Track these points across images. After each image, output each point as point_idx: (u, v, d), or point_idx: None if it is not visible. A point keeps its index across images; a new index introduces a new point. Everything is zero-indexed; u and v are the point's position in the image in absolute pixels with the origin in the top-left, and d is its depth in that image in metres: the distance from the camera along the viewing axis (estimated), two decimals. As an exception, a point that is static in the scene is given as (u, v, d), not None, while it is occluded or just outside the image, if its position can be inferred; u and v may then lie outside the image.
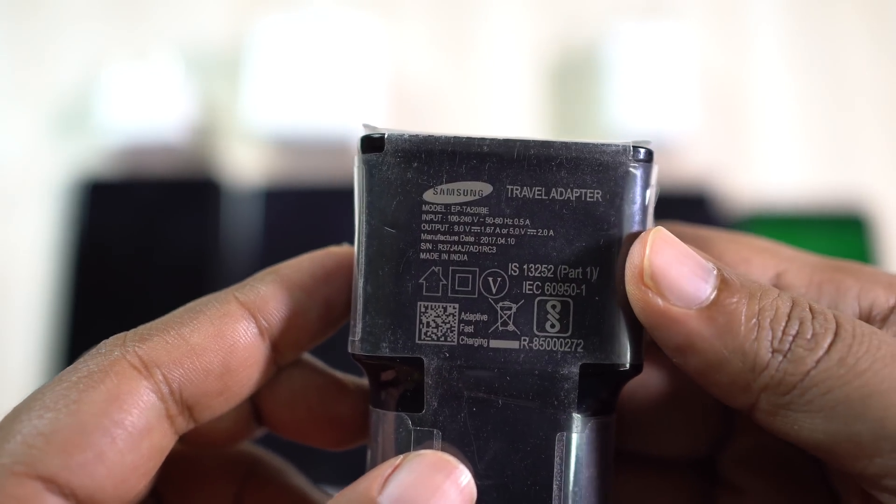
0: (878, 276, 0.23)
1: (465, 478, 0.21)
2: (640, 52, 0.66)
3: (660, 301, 0.21)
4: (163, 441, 0.22)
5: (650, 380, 0.26)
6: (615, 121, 0.66)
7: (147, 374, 0.21)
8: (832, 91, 0.70)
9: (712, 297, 0.21)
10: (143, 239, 0.63)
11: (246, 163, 0.66)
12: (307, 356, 0.25)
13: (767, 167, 0.68)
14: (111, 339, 0.22)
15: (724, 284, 0.21)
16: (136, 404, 0.21)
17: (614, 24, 0.68)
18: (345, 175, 0.65)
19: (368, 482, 0.20)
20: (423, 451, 0.21)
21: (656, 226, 0.24)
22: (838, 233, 0.64)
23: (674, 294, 0.21)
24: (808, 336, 0.20)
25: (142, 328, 0.22)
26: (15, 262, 0.65)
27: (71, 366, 0.21)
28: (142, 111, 0.64)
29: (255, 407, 0.25)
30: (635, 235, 0.22)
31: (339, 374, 0.25)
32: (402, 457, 0.21)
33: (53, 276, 0.63)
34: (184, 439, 0.24)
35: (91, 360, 0.21)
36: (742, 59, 0.70)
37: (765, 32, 0.71)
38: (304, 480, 0.26)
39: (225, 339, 0.22)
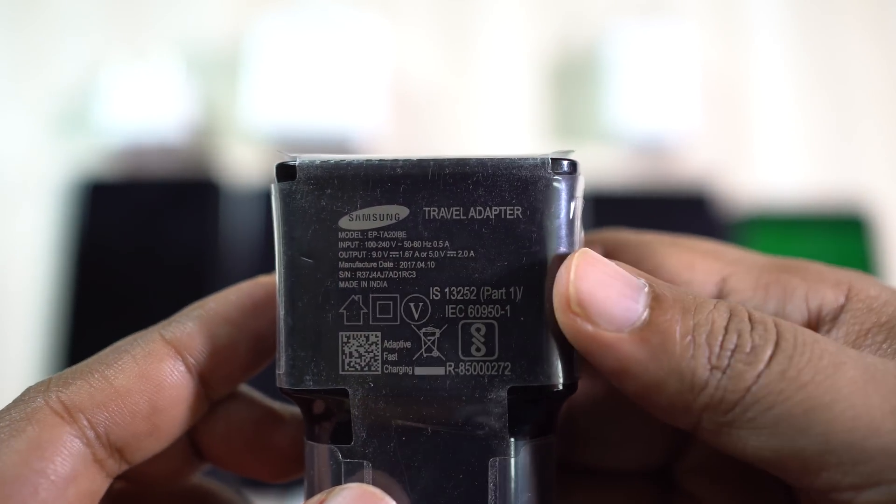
0: (825, 274, 0.23)
1: None
2: (640, 51, 0.66)
3: (589, 327, 0.20)
4: (92, 486, 0.21)
5: (599, 391, 0.26)
6: (615, 121, 0.66)
7: (70, 419, 0.21)
8: (832, 91, 0.69)
9: (644, 316, 0.20)
10: (142, 239, 0.63)
11: (246, 163, 0.66)
12: (243, 388, 0.25)
13: (767, 168, 0.68)
14: (35, 385, 0.22)
15: (655, 302, 0.20)
16: (59, 451, 0.20)
17: (614, 24, 0.68)
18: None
19: None
20: (348, 485, 0.21)
21: (595, 232, 0.23)
22: (838, 234, 0.64)
23: (603, 318, 0.20)
24: (748, 349, 0.19)
25: (66, 372, 0.22)
26: (15, 262, 0.65)
27: None
28: (142, 111, 0.64)
29: (194, 442, 0.25)
30: (560, 255, 0.21)
31: (276, 405, 0.25)
32: (327, 491, 0.21)
33: (53, 276, 0.63)
34: (126, 478, 0.24)
35: (13, 409, 0.21)
36: (742, 59, 0.70)
37: (765, 32, 0.71)
38: None
39: (150, 378, 0.22)
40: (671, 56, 0.66)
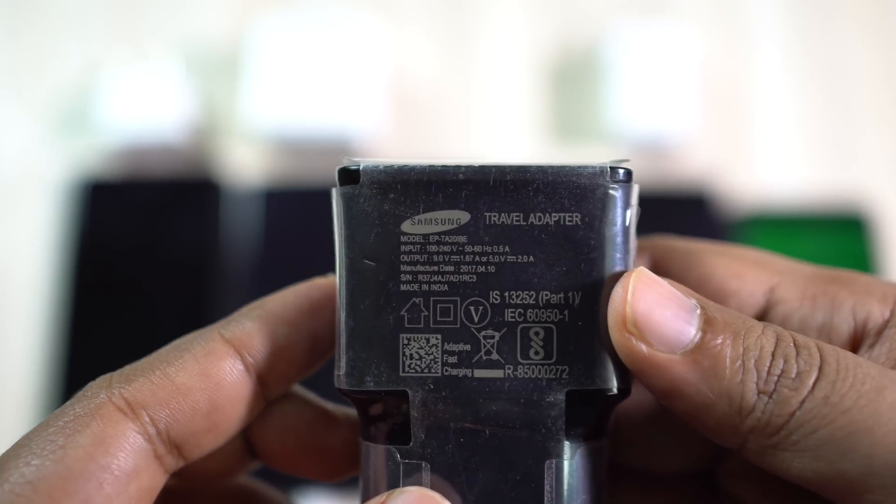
0: (872, 286, 0.23)
1: None
2: (640, 51, 0.66)
3: (644, 347, 0.21)
4: (152, 482, 0.22)
5: (646, 395, 0.26)
6: (615, 121, 0.66)
7: (133, 415, 0.21)
8: (832, 91, 0.69)
9: (696, 339, 0.21)
10: (142, 239, 0.63)
11: (246, 163, 0.66)
12: (297, 388, 0.25)
13: (767, 167, 0.68)
14: (97, 380, 0.22)
15: (707, 325, 0.21)
16: (122, 447, 0.21)
17: (614, 24, 0.68)
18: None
19: None
20: (407, 489, 0.21)
21: (644, 238, 0.23)
22: (838, 233, 0.64)
23: (657, 339, 0.21)
24: (793, 375, 0.20)
25: (127, 368, 0.22)
26: (15, 263, 0.65)
27: (58, 409, 0.21)
28: (142, 111, 0.64)
29: (248, 441, 0.25)
30: (617, 261, 0.22)
31: (330, 406, 0.25)
32: (385, 494, 0.21)
33: (53, 276, 0.63)
34: (180, 474, 0.24)
35: (77, 404, 0.21)
36: (742, 59, 0.70)
37: (765, 32, 0.71)
38: None
39: (210, 377, 0.22)
40: (671, 56, 0.66)
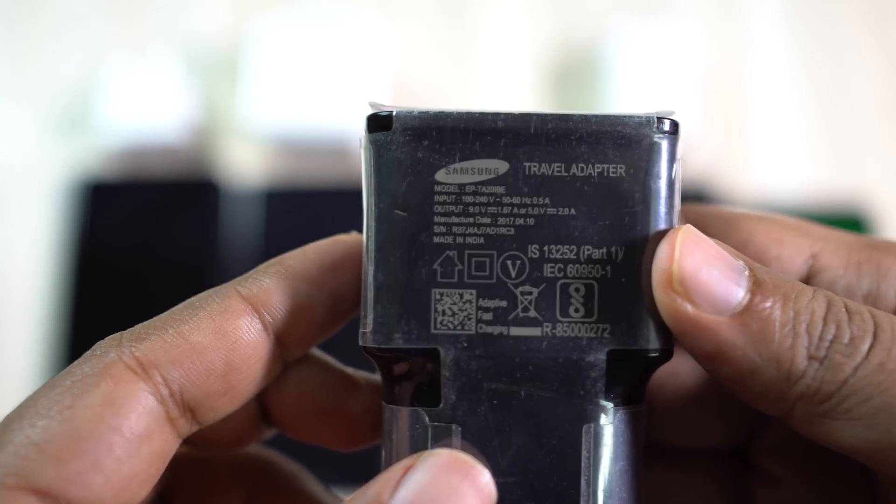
0: None
1: (483, 478, 0.19)
2: (640, 50, 0.66)
3: (689, 308, 0.20)
4: (164, 446, 0.21)
5: (680, 368, 0.25)
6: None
7: (145, 375, 0.20)
8: (833, 90, 0.69)
9: (745, 301, 0.20)
10: (142, 239, 0.63)
11: (246, 163, 0.66)
12: (315, 351, 0.24)
13: (768, 167, 0.68)
14: (107, 339, 0.21)
15: (756, 287, 0.20)
16: (134, 408, 0.20)
17: (615, 23, 0.68)
18: (346, 176, 0.65)
19: (379, 486, 0.19)
20: (437, 451, 0.20)
21: (682, 205, 0.22)
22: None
23: (704, 300, 0.19)
24: (846, 341, 0.19)
25: (139, 327, 0.21)
26: (15, 263, 0.65)
27: (65, 369, 0.20)
28: (142, 111, 0.64)
29: (263, 406, 0.24)
30: (662, 217, 0.21)
31: (350, 370, 0.24)
32: (414, 457, 0.20)
33: (53, 276, 0.63)
34: (190, 442, 0.23)
35: (85, 364, 0.20)
36: (743, 58, 0.70)
37: (765, 31, 0.71)
38: (318, 485, 0.25)
39: (227, 336, 0.21)
40: (671, 55, 0.66)
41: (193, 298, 0.22)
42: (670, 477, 0.26)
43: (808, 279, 0.23)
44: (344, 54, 0.65)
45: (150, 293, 0.62)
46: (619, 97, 0.66)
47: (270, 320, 0.22)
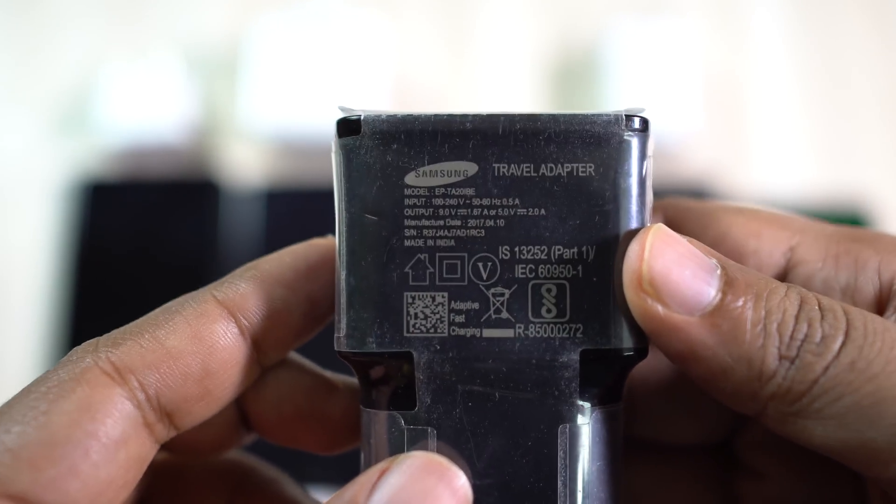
0: None
1: (459, 480, 0.19)
2: (640, 50, 0.66)
3: (660, 308, 0.19)
4: (141, 451, 0.20)
5: (661, 364, 0.25)
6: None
7: (121, 380, 0.20)
8: (833, 90, 0.69)
9: (716, 301, 0.19)
10: (142, 240, 0.63)
11: (246, 163, 0.66)
12: (293, 355, 0.24)
13: (768, 167, 0.68)
14: (83, 345, 0.21)
15: (728, 286, 0.20)
16: (110, 413, 0.20)
17: (615, 22, 0.68)
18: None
19: (356, 489, 0.19)
20: (413, 453, 0.20)
21: (660, 199, 0.22)
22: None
23: (675, 300, 0.19)
24: (817, 339, 0.19)
25: (115, 332, 0.21)
26: (14, 263, 0.65)
27: (41, 375, 0.20)
28: (142, 111, 0.64)
29: (242, 411, 0.24)
30: (633, 215, 0.21)
31: (328, 374, 0.24)
32: (390, 460, 0.20)
33: (53, 277, 0.63)
34: (169, 447, 0.23)
35: (61, 369, 0.20)
36: (743, 58, 0.70)
37: (765, 31, 0.71)
38: (299, 490, 0.25)
39: (203, 340, 0.21)
40: (671, 55, 0.66)
41: (170, 303, 0.22)
42: (656, 473, 0.26)
43: (786, 272, 0.23)
44: (344, 54, 0.65)
45: (149, 293, 0.62)
46: (619, 97, 0.66)
47: (247, 325, 0.22)
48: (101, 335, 0.21)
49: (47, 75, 0.68)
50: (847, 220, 0.65)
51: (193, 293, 0.22)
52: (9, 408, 0.19)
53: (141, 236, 0.63)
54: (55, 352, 0.61)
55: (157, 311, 0.21)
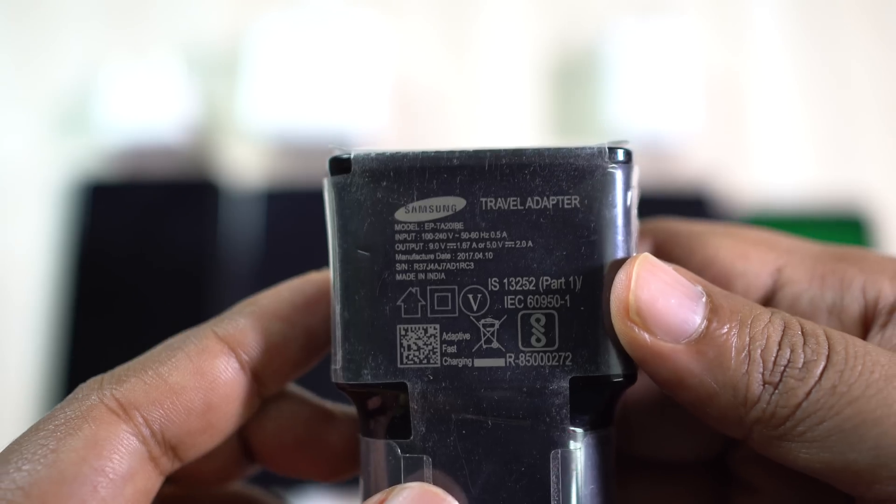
0: (883, 264, 0.23)
1: None
2: (640, 50, 0.66)
3: (647, 337, 0.20)
4: (147, 484, 0.21)
5: (652, 384, 0.25)
6: (616, 120, 0.66)
7: (126, 417, 0.21)
8: (833, 91, 0.69)
9: (701, 328, 0.20)
10: (142, 241, 0.63)
11: (246, 163, 0.66)
12: (292, 387, 0.25)
13: (768, 167, 0.68)
14: (87, 382, 0.21)
15: (713, 313, 0.20)
16: (117, 449, 0.20)
17: (615, 23, 0.68)
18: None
19: None
20: (409, 484, 0.21)
21: (645, 221, 0.22)
22: (838, 233, 0.64)
23: (661, 329, 0.20)
24: (800, 365, 0.20)
25: (118, 370, 0.22)
26: (15, 263, 0.65)
27: (48, 414, 0.21)
28: (142, 111, 0.64)
29: (245, 442, 0.24)
30: (619, 245, 0.21)
31: (327, 404, 0.25)
32: (387, 491, 0.20)
33: (53, 277, 0.63)
34: (175, 480, 0.23)
35: (68, 407, 0.21)
36: (743, 58, 0.70)
37: (766, 31, 0.71)
38: None
39: (205, 375, 0.22)
40: (671, 55, 0.66)
41: (171, 339, 0.22)
42: (651, 490, 0.26)
43: (773, 293, 0.23)
44: (344, 54, 0.65)
45: (150, 293, 0.62)
46: (619, 97, 0.66)
47: (247, 359, 0.22)
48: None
49: (47, 75, 0.68)
50: (847, 220, 0.65)
51: (194, 329, 0.22)
52: (18, 446, 0.20)
53: (141, 236, 0.63)
54: (56, 352, 0.61)
55: (159, 347, 0.22)
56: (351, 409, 0.24)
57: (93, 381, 0.21)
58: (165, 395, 0.21)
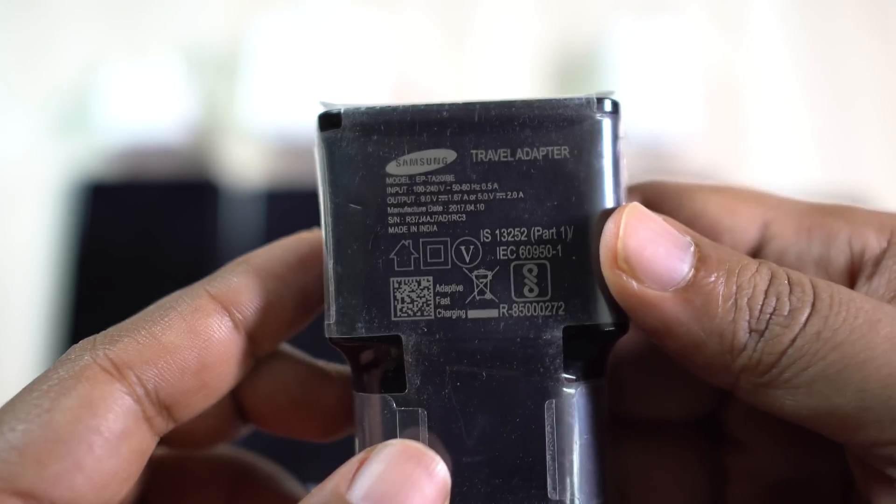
0: (869, 217, 0.23)
1: (437, 465, 0.20)
2: (640, 50, 0.66)
3: (635, 284, 0.20)
4: (142, 444, 0.21)
5: (644, 341, 0.25)
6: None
7: (119, 376, 0.21)
8: (834, 90, 0.69)
9: (689, 277, 0.20)
10: (142, 240, 0.63)
11: (246, 163, 0.66)
12: (285, 346, 0.25)
13: (768, 166, 0.68)
14: (80, 343, 0.21)
15: (700, 262, 0.20)
16: (111, 408, 0.20)
17: (615, 22, 0.68)
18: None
19: (336, 480, 0.20)
20: (391, 441, 0.20)
21: (633, 184, 0.23)
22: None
23: (649, 277, 0.20)
24: (785, 312, 0.20)
25: (111, 330, 0.21)
26: (14, 263, 0.65)
27: (41, 375, 0.21)
28: (142, 111, 0.64)
29: (238, 402, 0.24)
30: (608, 194, 0.21)
31: (321, 363, 0.25)
32: (369, 449, 0.20)
33: (53, 277, 0.63)
34: (168, 441, 0.23)
35: (61, 368, 0.21)
36: (743, 58, 0.70)
37: (766, 31, 0.71)
38: (297, 485, 0.26)
39: (198, 335, 0.21)
40: (671, 55, 0.66)
41: (164, 300, 0.22)
42: (644, 450, 0.26)
43: (760, 247, 0.23)
44: (344, 54, 0.65)
45: (149, 293, 0.62)
46: (620, 97, 0.66)
47: (240, 318, 0.22)
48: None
49: (47, 75, 0.68)
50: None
51: (187, 289, 0.22)
52: (12, 406, 0.20)
53: (141, 236, 0.63)
54: (55, 351, 0.61)
55: (152, 307, 0.22)
56: (345, 369, 0.24)
57: (85, 342, 0.21)
58: (159, 354, 0.21)
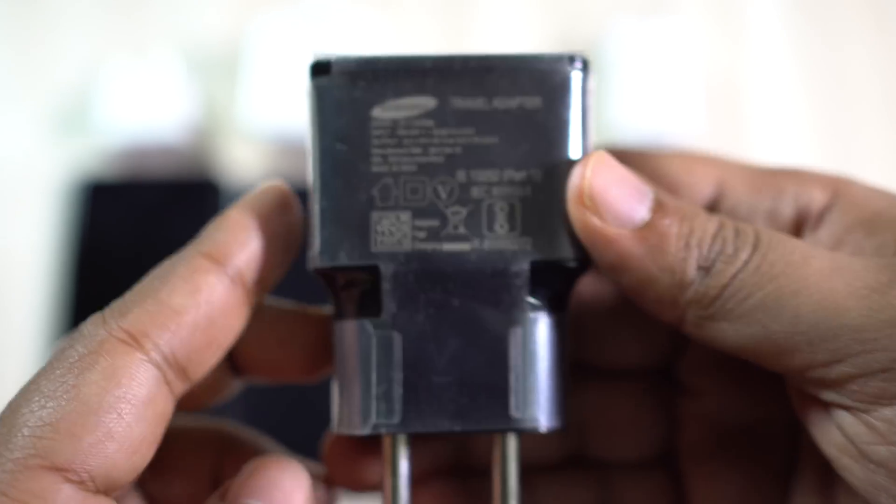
0: (815, 176, 0.25)
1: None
2: (640, 50, 0.66)
3: (597, 220, 0.22)
4: (165, 407, 0.22)
5: (604, 290, 0.27)
6: (615, 120, 0.66)
7: (137, 345, 0.21)
8: (834, 90, 0.69)
9: (647, 218, 0.22)
10: (142, 240, 0.63)
11: (246, 163, 0.66)
12: (268, 299, 0.26)
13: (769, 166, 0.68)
14: (90, 320, 0.22)
15: (658, 207, 0.22)
16: (135, 377, 0.21)
17: (615, 23, 0.68)
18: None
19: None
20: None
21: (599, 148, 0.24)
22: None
23: (610, 214, 0.22)
24: (730, 252, 0.22)
25: (116, 304, 0.22)
26: (14, 263, 0.65)
27: (58, 354, 0.22)
28: (142, 111, 0.64)
29: (230, 355, 0.25)
30: (576, 142, 0.23)
31: (302, 307, 0.26)
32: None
33: (53, 276, 0.63)
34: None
35: (78, 345, 0.21)
36: (743, 58, 0.70)
37: (766, 31, 0.71)
38: (281, 451, 0.27)
39: (202, 292, 0.22)
40: (671, 55, 0.66)
41: (157, 269, 0.23)
42: (603, 394, 0.28)
43: (715, 202, 0.25)
44: (344, 52, 0.65)
45: (150, 293, 0.62)
46: (619, 97, 0.66)
47: (233, 270, 0.23)
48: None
49: (47, 75, 0.68)
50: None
51: (177, 255, 0.24)
52: (37, 386, 0.21)
53: (141, 236, 0.63)
54: (55, 352, 0.61)
55: (148, 278, 0.23)
56: (326, 309, 0.26)
57: (96, 318, 0.22)
58: (170, 317, 0.22)
